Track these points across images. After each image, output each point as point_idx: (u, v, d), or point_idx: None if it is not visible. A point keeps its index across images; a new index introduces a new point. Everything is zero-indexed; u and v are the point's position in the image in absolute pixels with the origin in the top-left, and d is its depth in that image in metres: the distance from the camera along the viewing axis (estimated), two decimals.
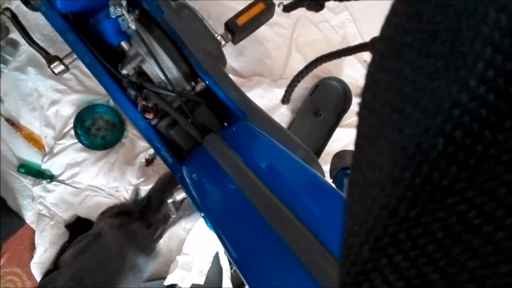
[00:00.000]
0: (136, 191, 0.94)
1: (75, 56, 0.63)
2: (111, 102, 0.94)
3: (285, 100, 0.94)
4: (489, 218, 0.11)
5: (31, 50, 0.74)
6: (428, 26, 0.12)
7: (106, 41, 0.62)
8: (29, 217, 0.96)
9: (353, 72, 1.00)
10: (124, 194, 0.95)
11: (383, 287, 0.13)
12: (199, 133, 0.55)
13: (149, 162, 0.94)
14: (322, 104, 0.96)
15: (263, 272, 0.40)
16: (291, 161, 0.47)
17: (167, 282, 0.90)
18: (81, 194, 0.94)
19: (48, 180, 0.93)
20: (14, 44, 0.93)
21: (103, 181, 0.94)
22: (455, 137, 0.11)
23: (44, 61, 0.65)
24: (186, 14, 0.61)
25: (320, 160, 0.96)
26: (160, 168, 0.94)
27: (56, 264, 0.91)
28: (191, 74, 0.59)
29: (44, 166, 0.93)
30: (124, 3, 0.53)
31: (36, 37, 0.85)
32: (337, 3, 1.01)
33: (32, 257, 0.94)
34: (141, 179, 0.94)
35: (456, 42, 0.11)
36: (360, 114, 0.16)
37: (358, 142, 0.15)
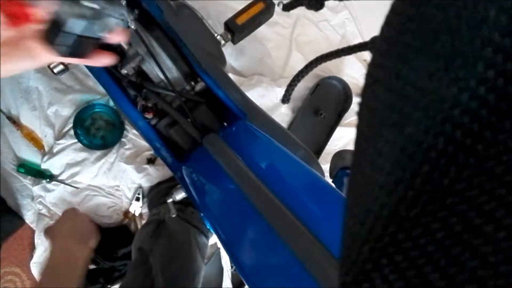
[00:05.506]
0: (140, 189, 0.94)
1: None
2: (111, 102, 0.94)
3: (286, 99, 0.94)
4: (489, 218, 0.11)
5: None
6: (428, 26, 0.12)
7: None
8: (28, 216, 0.96)
9: (354, 71, 1.00)
10: (126, 193, 0.95)
11: (383, 287, 0.13)
12: (199, 133, 0.55)
13: (150, 161, 0.94)
14: (322, 103, 0.96)
15: (263, 272, 0.40)
16: (291, 161, 0.47)
17: None
18: (81, 193, 0.94)
19: (47, 180, 0.93)
20: None
21: (102, 181, 0.94)
22: (455, 137, 0.11)
23: None
24: (186, 14, 0.61)
25: (320, 160, 0.96)
26: (162, 166, 0.95)
27: None
28: (191, 73, 0.58)
29: (43, 166, 0.93)
30: (123, 2, 0.53)
31: None
32: (337, 2, 1.01)
33: (32, 257, 0.94)
34: (143, 178, 0.94)
35: (456, 42, 0.11)
36: (360, 113, 0.16)
37: (358, 141, 0.15)
